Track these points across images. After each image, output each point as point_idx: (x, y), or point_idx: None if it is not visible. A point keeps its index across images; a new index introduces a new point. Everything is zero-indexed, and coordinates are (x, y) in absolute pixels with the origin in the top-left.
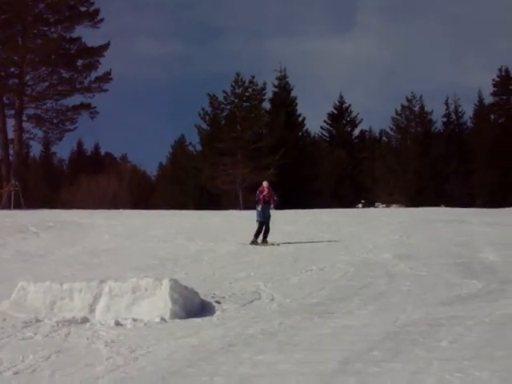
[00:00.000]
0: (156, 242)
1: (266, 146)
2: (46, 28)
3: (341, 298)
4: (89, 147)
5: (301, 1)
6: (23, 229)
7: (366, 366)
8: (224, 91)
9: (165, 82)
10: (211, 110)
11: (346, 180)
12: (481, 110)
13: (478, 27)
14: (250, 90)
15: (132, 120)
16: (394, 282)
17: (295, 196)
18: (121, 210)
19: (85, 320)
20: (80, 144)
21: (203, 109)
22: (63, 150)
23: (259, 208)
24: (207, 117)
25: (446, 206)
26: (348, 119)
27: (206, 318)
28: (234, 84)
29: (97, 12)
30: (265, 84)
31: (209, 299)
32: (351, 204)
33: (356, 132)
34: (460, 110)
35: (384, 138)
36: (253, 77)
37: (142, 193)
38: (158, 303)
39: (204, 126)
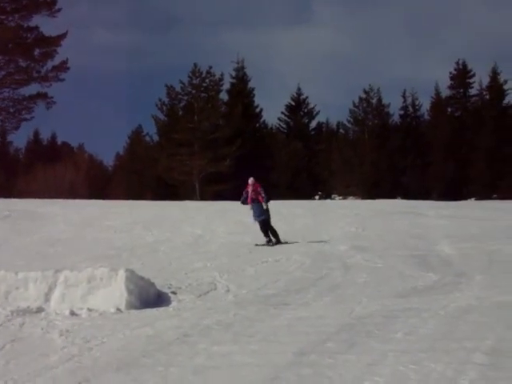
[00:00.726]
0: (112, 232)
1: (223, 136)
2: (3, 17)
3: (296, 290)
4: (45, 137)
5: None
6: None
7: (320, 357)
8: (181, 82)
9: (122, 72)
10: (168, 100)
11: (303, 172)
12: (438, 103)
13: (436, 19)
14: (207, 80)
15: (89, 110)
16: (350, 273)
17: None
18: (77, 200)
19: (40, 310)
20: (36, 133)
21: (160, 99)
22: (19, 140)
23: (250, 208)
24: (164, 107)
25: (403, 198)
26: (305, 111)
27: (162, 309)
28: (191, 75)
29: (54, 1)
30: (222, 75)
31: (165, 290)
32: (308, 196)
33: (313, 124)
34: (417, 102)
35: (341, 130)
36: (210, 67)
37: (99, 183)
38: (113, 293)
39: (161, 116)
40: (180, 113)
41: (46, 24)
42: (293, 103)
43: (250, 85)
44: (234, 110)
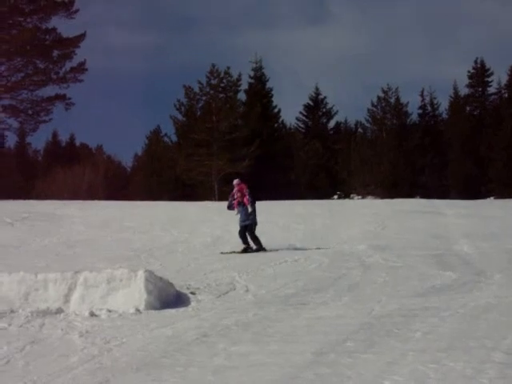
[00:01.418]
0: (131, 233)
1: (242, 137)
2: (21, 18)
3: (315, 289)
4: (64, 138)
5: None
6: None
7: (340, 357)
8: (199, 82)
9: (140, 72)
10: (186, 101)
11: (322, 172)
12: (456, 101)
13: (454, 18)
14: (225, 81)
15: (107, 111)
16: (369, 273)
17: (270, 187)
18: (96, 201)
19: (59, 311)
20: (55, 135)
21: (178, 100)
22: (38, 141)
23: (236, 213)
24: (182, 108)
25: (422, 197)
26: (324, 111)
27: (181, 309)
28: (209, 75)
29: (72, 2)
30: (240, 75)
31: (184, 290)
32: (326, 195)
33: (331, 123)
34: (435, 101)
35: (360, 130)
36: (228, 68)
37: (118, 184)
38: (132, 294)
39: (179, 117)
40: (198, 113)
41: (63, 25)
42: (311, 103)
43: (268, 85)
44: (252, 111)
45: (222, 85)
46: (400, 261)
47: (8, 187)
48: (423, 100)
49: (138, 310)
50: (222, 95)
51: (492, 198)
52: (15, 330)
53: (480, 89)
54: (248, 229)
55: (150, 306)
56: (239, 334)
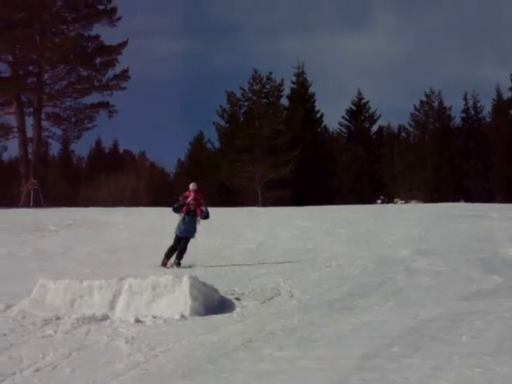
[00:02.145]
0: None
1: (285, 142)
2: (64, 26)
3: (360, 294)
4: (107, 145)
5: None
6: (42, 227)
7: (385, 361)
8: (241, 88)
9: (182, 79)
10: (229, 106)
11: (365, 176)
12: (499, 104)
13: (496, 20)
14: (267, 86)
15: (150, 118)
16: (414, 277)
17: (313, 192)
18: (140, 208)
19: (105, 317)
20: (99, 142)
21: (221, 106)
22: (82, 148)
23: (180, 218)
24: (225, 114)
25: (466, 201)
26: (366, 115)
27: (226, 315)
28: (251, 81)
29: (114, 10)
30: (282, 80)
31: (228, 296)
32: (370, 200)
33: (374, 128)
34: (479, 105)
35: (403, 134)
36: (270, 73)
37: (161, 190)
38: (177, 300)
39: (222, 123)
40: (241, 119)
41: (106, 33)
42: (353, 107)
43: (311, 90)
44: (294, 116)
45: (265, 90)
46: (445, 265)
47: (53, 195)
48: (466, 103)
49: (183, 316)
50: (264, 100)
51: None
52: (61, 336)
53: None
54: (184, 241)
55: (195, 312)
56: (284, 339)
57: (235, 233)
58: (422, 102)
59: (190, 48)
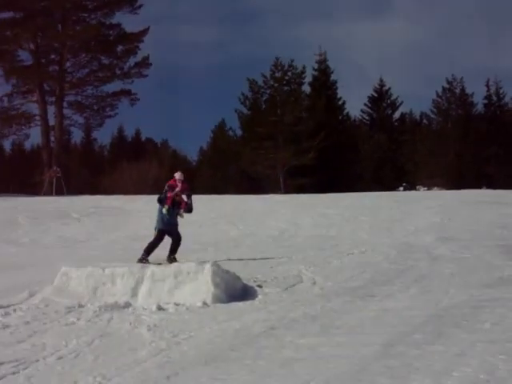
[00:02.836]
0: (197, 227)
1: (307, 129)
2: (85, 14)
3: (382, 281)
4: (129, 133)
5: None
6: (65, 215)
7: (408, 348)
8: (263, 75)
9: (204, 66)
10: (251, 94)
11: (387, 163)
12: None
13: None
14: (289, 73)
15: (172, 106)
16: (436, 264)
17: (335, 179)
18: None
19: (127, 305)
20: (121, 130)
21: (243, 93)
22: (104, 136)
23: (164, 210)
24: (247, 101)
25: (488, 188)
26: (388, 102)
27: (248, 302)
28: (273, 68)
29: None
30: (304, 68)
31: (251, 283)
32: (392, 187)
33: (396, 115)
34: (501, 91)
35: (425, 121)
36: (292, 60)
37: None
38: (200, 287)
39: (244, 110)
40: (263, 106)
41: (127, 21)
42: (375, 95)
43: (333, 77)
44: (317, 103)
45: (287, 78)
46: (467, 252)
47: (75, 183)
48: (488, 90)
49: (205, 304)
50: (286, 88)
51: None
52: (84, 324)
53: None
54: (174, 236)
55: (217, 299)
56: (307, 326)
57: (257, 220)
58: (444, 88)
59: (211, 35)
